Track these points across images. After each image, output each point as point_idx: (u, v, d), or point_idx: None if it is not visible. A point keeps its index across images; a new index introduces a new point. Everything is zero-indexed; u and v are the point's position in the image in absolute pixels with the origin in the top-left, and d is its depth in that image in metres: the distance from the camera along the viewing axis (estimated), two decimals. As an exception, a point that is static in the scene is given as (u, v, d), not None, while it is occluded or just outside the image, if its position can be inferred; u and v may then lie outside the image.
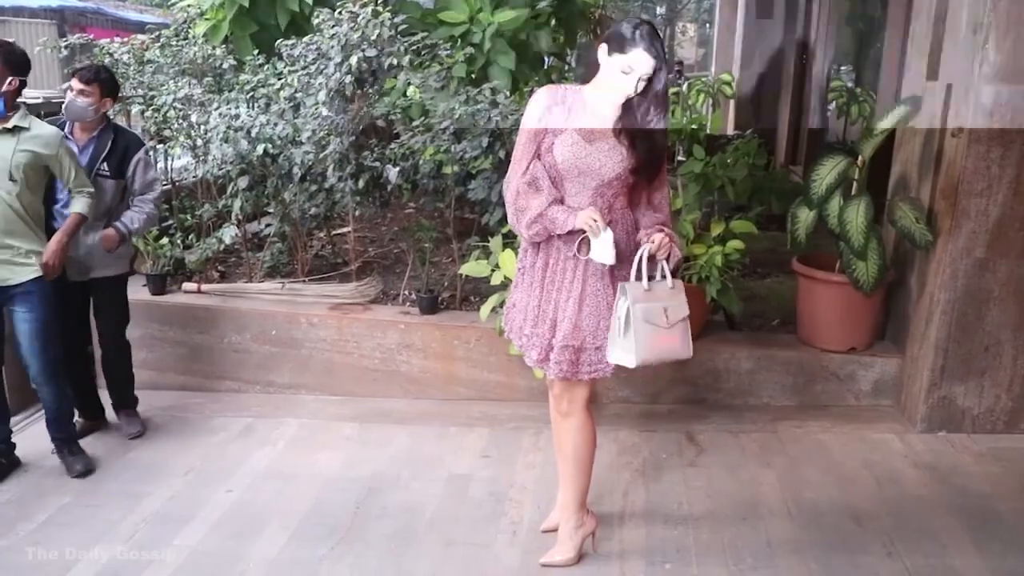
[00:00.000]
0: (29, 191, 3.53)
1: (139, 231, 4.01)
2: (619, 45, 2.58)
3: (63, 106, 3.89)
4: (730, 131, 11.34)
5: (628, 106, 2.66)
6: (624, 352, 2.67)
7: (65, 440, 3.77)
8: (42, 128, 3.58)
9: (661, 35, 2.66)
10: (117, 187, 3.92)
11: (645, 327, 2.64)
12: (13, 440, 3.82)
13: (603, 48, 2.64)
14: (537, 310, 2.81)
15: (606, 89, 2.64)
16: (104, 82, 3.84)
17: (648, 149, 2.66)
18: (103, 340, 4.10)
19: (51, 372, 3.61)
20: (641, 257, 2.66)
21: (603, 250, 2.64)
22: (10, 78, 3.49)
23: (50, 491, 3.58)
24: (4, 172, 3.46)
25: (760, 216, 5.31)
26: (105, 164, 3.88)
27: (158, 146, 5.44)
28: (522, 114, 2.80)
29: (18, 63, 3.53)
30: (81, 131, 3.90)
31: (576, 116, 2.70)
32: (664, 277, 2.71)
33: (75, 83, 3.83)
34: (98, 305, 4.04)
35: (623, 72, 2.58)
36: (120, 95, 4.63)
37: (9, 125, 3.51)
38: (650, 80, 2.60)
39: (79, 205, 3.70)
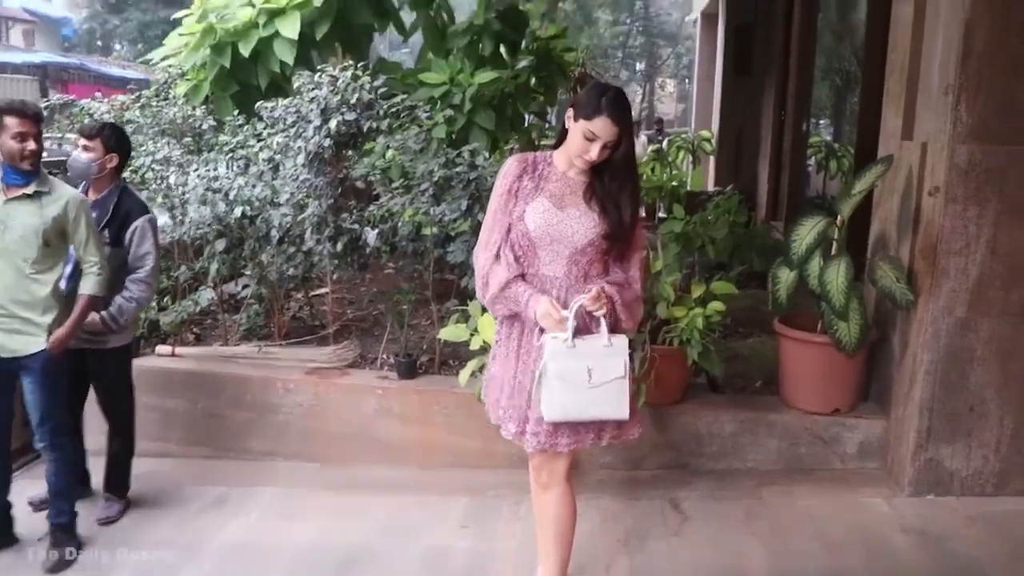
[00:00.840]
0: (49, 259, 3.33)
1: (128, 321, 3.76)
2: (584, 111, 2.60)
3: (67, 163, 3.76)
4: (710, 187, 11.44)
5: (597, 171, 2.68)
6: (537, 405, 2.64)
7: (56, 527, 3.53)
8: (62, 190, 3.37)
9: (629, 101, 2.67)
10: (116, 256, 3.68)
11: (557, 384, 2.59)
12: (12, 513, 3.64)
13: (569, 113, 2.66)
14: (513, 381, 2.77)
15: (573, 154, 2.65)
16: (108, 137, 3.71)
17: (619, 214, 2.66)
18: (104, 414, 3.88)
19: (50, 441, 3.42)
20: (575, 311, 2.61)
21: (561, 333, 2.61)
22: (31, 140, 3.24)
23: (9, 565, 3.44)
24: (28, 242, 3.27)
25: (741, 274, 5.31)
26: (106, 230, 3.69)
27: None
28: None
29: (22, 113, 3.27)
30: (92, 191, 3.74)
31: (547, 183, 2.71)
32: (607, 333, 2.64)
33: (79, 139, 3.73)
34: (95, 377, 3.83)
35: (587, 138, 2.59)
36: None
37: (30, 191, 3.29)
38: (616, 147, 2.61)
39: (88, 285, 3.46)
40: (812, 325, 4.27)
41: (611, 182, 2.65)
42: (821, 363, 4.18)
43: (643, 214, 2.88)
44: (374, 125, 4.77)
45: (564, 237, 2.65)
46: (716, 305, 4.18)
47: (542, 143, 6.98)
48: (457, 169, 4.57)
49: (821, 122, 9.50)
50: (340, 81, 4.78)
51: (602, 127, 2.57)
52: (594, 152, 2.60)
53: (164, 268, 5.45)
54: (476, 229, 4.39)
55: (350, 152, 4.93)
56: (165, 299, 5.26)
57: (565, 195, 2.69)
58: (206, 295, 5.03)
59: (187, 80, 6.24)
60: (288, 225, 4.66)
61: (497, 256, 2.68)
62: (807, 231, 4.11)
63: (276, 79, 6.01)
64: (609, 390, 2.60)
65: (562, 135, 2.73)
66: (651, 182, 9.98)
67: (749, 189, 10.18)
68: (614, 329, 2.68)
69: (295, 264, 4.76)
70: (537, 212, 2.66)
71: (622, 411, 2.63)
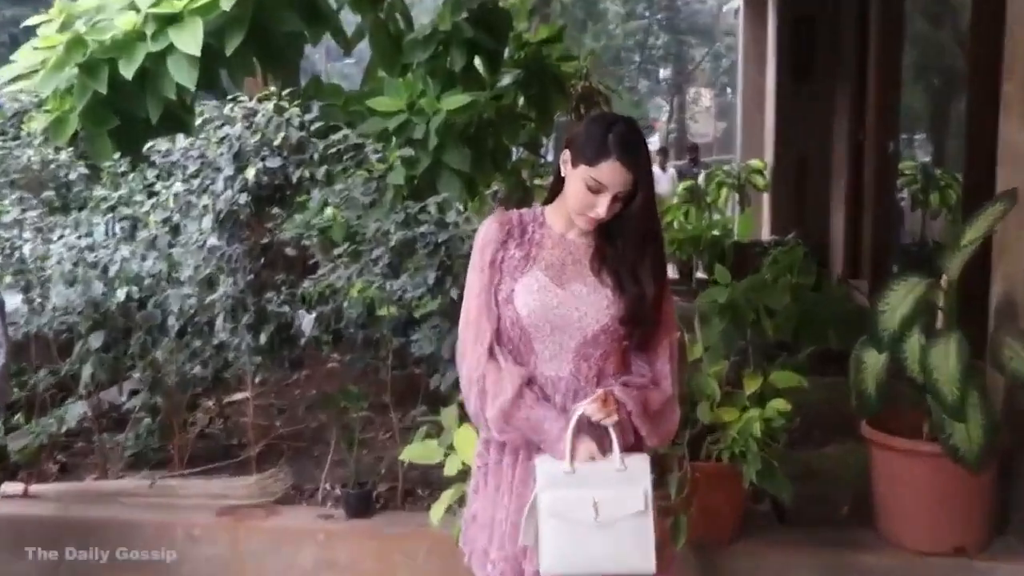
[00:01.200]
0: None
1: None
2: (585, 154, 2.62)
3: None
4: (765, 236, 11.50)
5: (606, 231, 2.71)
6: (534, 554, 2.62)
7: None
8: None
9: (643, 134, 2.70)
10: None
11: (553, 524, 2.57)
12: None
13: (565, 156, 2.68)
14: (505, 524, 2.73)
15: (573, 211, 2.68)
16: None
17: (639, 289, 2.68)
18: None
19: None
20: (575, 421, 2.60)
21: None
22: None
23: None
24: None
25: (812, 357, 5.22)
26: None
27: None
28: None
29: None
30: None
31: (540, 250, 2.74)
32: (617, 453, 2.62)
33: None
34: None
35: (590, 189, 2.60)
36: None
37: None
38: (630, 197, 2.64)
39: None
40: (916, 427, 4.20)
41: (626, 246, 2.68)
42: (932, 482, 4.11)
43: (674, 275, 2.85)
44: (307, 173, 4.78)
45: (568, 323, 2.67)
46: (779, 403, 4.13)
47: (536, 184, 7.00)
48: (421, 229, 4.53)
49: (915, 139, 9.60)
50: (260, 114, 4.79)
51: (610, 174, 2.59)
52: (601, 207, 2.62)
53: (15, 372, 5.30)
54: (450, 309, 4.36)
55: (275, 210, 4.94)
56: (16, 417, 5.17)
57: (566, 265, 2.72)
58: (76, 409, 4.97)
59: (47, 112, 6.21)
60: (192, 310, 4.64)
61: (491, 353, 2.68)
62: (901, 297, 4.07)
63: (172, 109, 5.97)
64: (625, 531, 2.58)
65: (557, 185, 2.75)
66: (684, 232, 10.03)
67: (818, 237, 10.24)
68: (634, 448, 2.68)
69: (203, 361, 4.73)
70: (531, 291, 2.68)
71: (646, 562, 2.60)
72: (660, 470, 2.77)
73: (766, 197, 12.37)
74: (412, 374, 5.15)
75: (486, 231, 2.76)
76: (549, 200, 2.80)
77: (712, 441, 4.11)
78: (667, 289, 2.78)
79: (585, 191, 2.61)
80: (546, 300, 2.67)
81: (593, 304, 2.68)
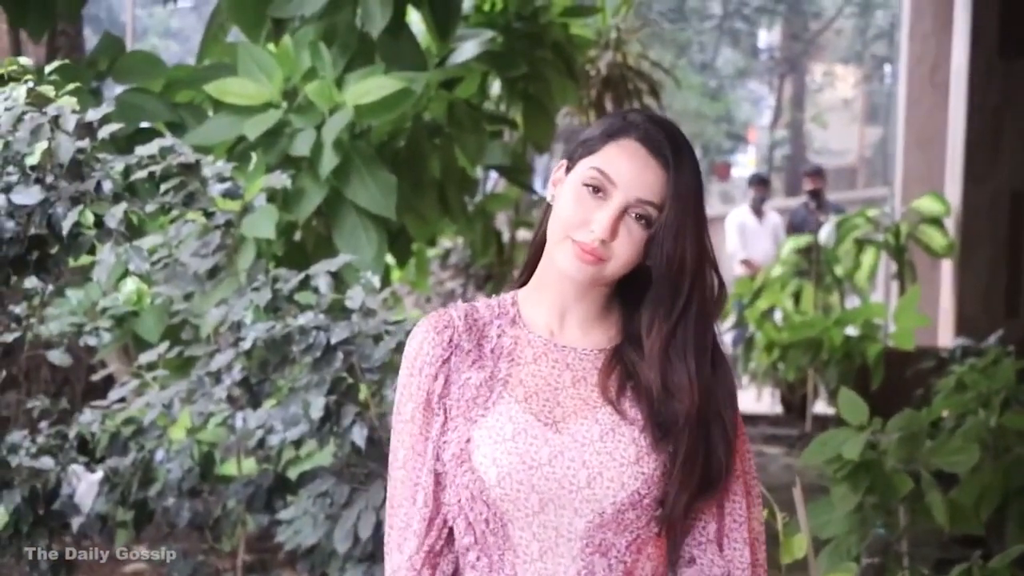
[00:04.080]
0: None
1: None
2: (588, 143, 2.03)
3: None
4: (945, 339, 9.49)
5: (625, 325, 2.04)
6: None
7: None
8: None
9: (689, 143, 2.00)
10: None
11: None
12: None
13: (558, 173, 2.04)
14: None
15: (554, 240, 2.02)
16: None
17: (696, 424, 1.95)
18: None
19: None
20: None
21: None
22: None
23: None
24: None
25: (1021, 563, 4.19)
26: None
27: None
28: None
29: None
30: None
31: (514, 367, 2.04)
32: None
33: None
34: None
35: (589, 187, 1.92)
36: None
37: None
38: (667, 231, 1.90)
39: None
40: None
41: (667, 341, 1.94)
42: None
43: (771, 407, 2.56)
44: (91, 215, 3.90)
45: (570, 493, 1.95)
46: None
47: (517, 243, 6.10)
48: (301, 320, 3.88)
49: None
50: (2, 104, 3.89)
51: (628, 161, 1.90)
52: (600, 223, 1.88)
53: None
54: (351, 465, 3.89)
55: (28, 282, 4.22)
56: None
57: (560, 391, 2.00)
58: None
59: None
60: None
61: (431, 556, 1.99)
62: None
63: None
64: None
65: (537, 253, 2.06)
66: (793, 329, 8.38)
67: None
68: None
69: None
70: (501, 438, 1.98)
71: None
72: None
73: (947, 267, 9.85)
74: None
75: (416, 345, 2.08)
76: (524, 279, 2.10)
77: None
78: (738, 414, 2.01)
79: (580, 197, 1.92)
80: (529, 453, 1.95)
81: (616, 455, 1.96)
